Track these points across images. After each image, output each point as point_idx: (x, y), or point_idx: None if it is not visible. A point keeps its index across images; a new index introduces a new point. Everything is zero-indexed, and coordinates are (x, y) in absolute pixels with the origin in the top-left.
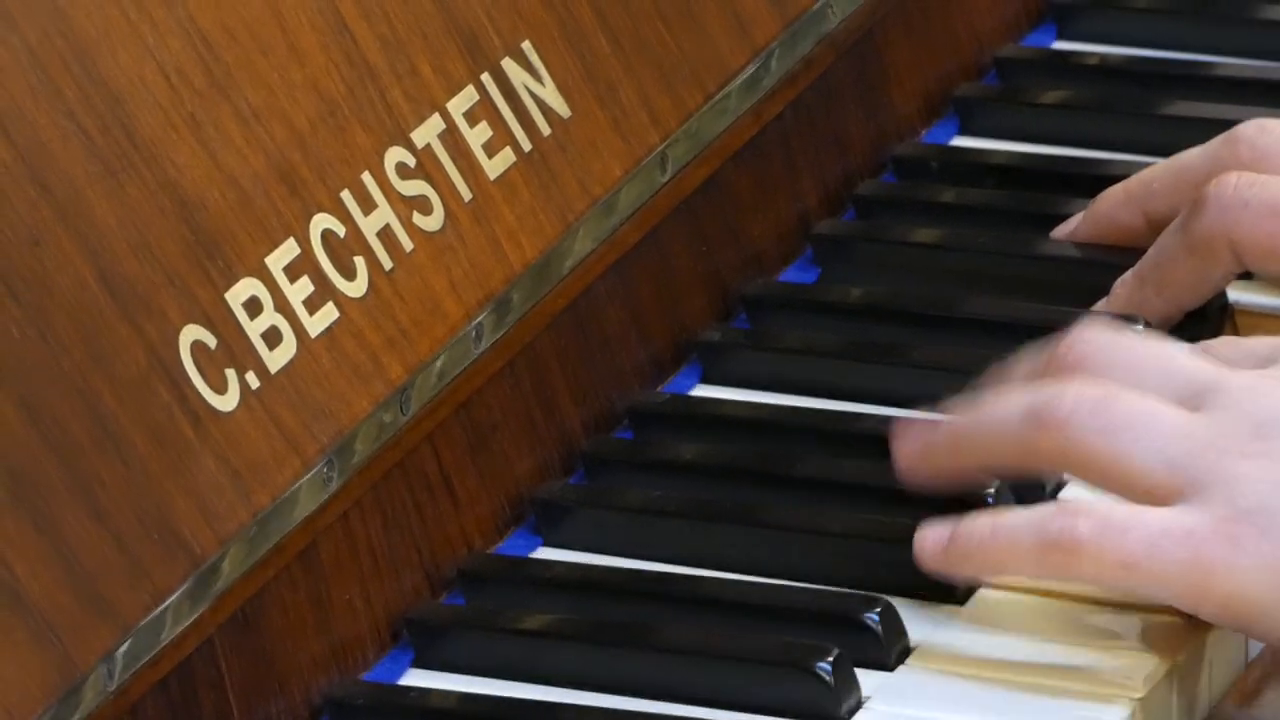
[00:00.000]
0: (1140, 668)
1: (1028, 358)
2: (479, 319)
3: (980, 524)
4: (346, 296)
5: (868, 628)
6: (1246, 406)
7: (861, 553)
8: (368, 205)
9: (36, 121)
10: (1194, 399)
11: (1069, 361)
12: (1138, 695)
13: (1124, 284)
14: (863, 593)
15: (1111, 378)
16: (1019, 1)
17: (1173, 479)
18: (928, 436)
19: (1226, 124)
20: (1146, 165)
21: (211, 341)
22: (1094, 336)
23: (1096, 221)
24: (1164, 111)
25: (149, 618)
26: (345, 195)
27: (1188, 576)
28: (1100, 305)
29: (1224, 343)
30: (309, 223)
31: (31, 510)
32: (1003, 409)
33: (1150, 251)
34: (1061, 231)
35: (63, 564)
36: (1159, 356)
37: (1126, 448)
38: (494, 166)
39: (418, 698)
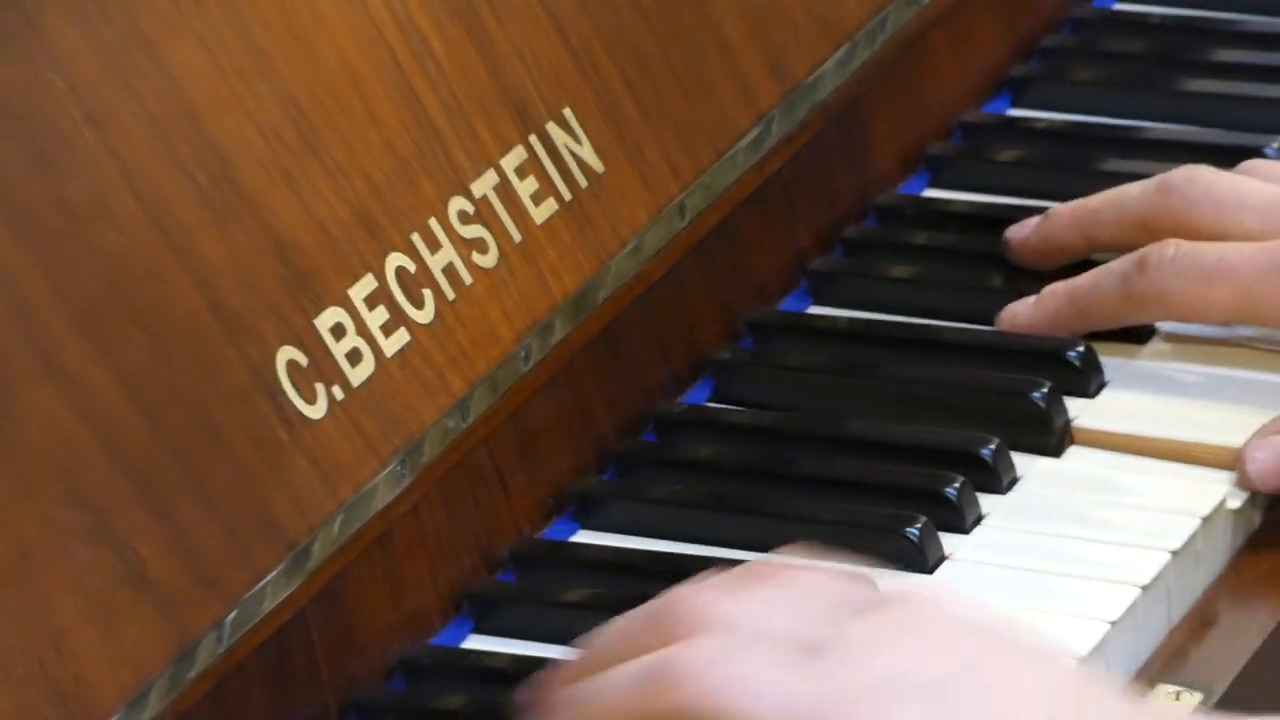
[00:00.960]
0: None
1: (616, 627)
2: (527, 341)
3: None
4: (416, 323)
5: None
6: (862, 664)
7: (847, 537)
8: (434, 246)
9: (157, 176)
10: (810, 649)
11: (674, 618)
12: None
13: (1054, 295)
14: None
15: (725, 629)
16: (981, 75)
17: None
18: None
19: None
20: None
21: (303, 360)
22: (696, 594)
23: (1044, 238)
24: (1102, 168)
25: (251, 592)
26: (415, 237)
27: None
28: (1027, 309)
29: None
30: (385, 261)
31: (154, 504)
32: (613, 679)
33: (1088, 280)
34: (1015, 233)
35: (180, 549)
36: (769, 608)
37: (745, 706)
38: (540, 213)
39: (477, 659)
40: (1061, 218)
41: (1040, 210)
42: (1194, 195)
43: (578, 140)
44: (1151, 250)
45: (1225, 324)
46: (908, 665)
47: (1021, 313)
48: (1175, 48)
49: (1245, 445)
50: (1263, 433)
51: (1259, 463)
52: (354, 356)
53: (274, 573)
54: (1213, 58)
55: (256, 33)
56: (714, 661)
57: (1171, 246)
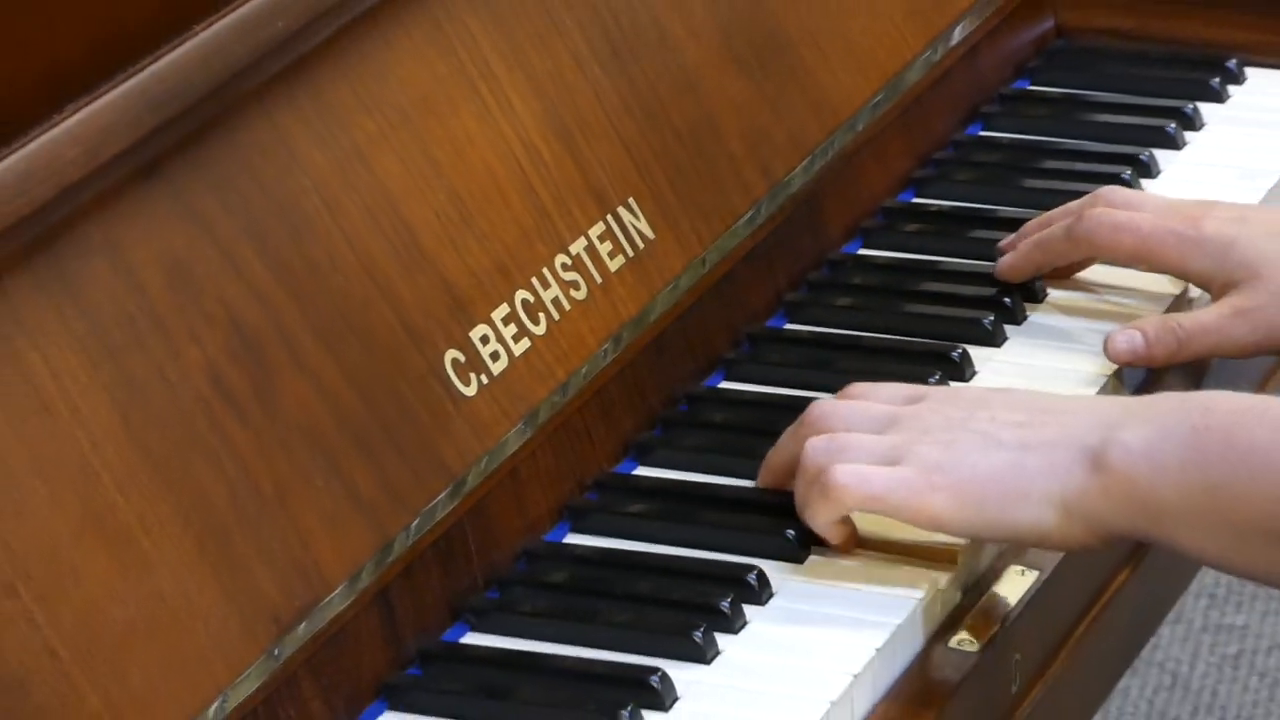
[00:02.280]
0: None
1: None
2: (605, 346)
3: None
4: (534, 334)
5: (787, 540)
6: (917, 424)
7: None
8: (545, 285)
9: (368, 242)
10: (887, 427)
11: (809, 422)
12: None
13: (1024, 239)
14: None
15: (836, 427)
16: (894, 176)
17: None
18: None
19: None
20: (966, 266)
21: (462, 359)
22: (821, 407)
23: (1026, 235)
24: (973, 236)
25: (427, 507)
26: (533, 280)
27: (911, 502)
28: (1009, 256)
29: (878, 388)
30: (514, 295)
31: (366, 454)
32: (784, 447)
33: (1047, 231)
34: (1009, 244)
35: (381, 481)
36: (862, 410)
37: (850, 458)
38: (613, 265)
39: (572, 550)
40: (1033, 225)
41: (935, 264)
42: (1091, 225)
43: (638, 218)
44: (1085, 203)
45: (1129, 266)
46: (950, 414)
47: (1007, 259)
48: (1019, 160)
49: (1110, 334)
50: (1126, 326)
51: (1117, 344)
52: (494, 356)
53: (442, 495)
54: (1044, 166)
55: (432, 148)
56: (828, 440)
57: (1100, 207)
